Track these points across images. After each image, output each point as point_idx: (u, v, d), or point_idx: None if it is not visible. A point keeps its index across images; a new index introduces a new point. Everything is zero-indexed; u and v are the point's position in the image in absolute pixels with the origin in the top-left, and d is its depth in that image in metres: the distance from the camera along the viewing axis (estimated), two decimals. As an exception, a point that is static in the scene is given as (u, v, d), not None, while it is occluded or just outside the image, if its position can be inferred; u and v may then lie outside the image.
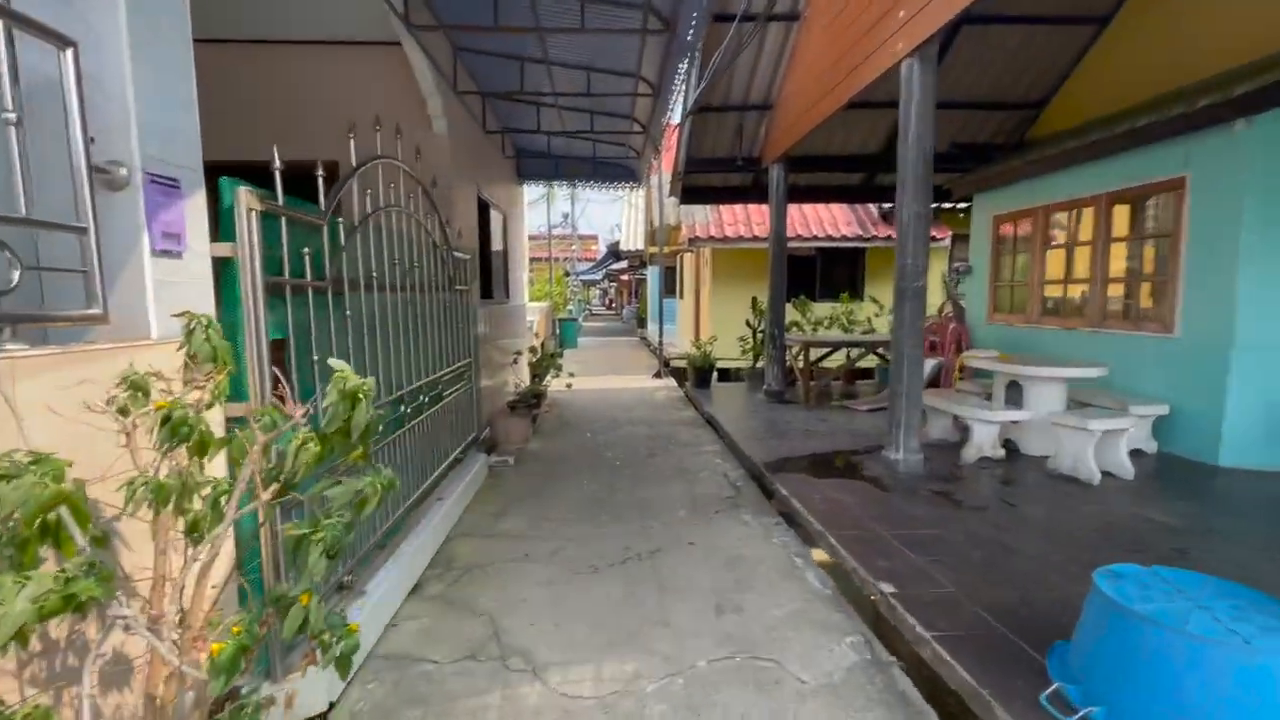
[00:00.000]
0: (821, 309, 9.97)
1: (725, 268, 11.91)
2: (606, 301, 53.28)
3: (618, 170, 9.29)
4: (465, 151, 5.98)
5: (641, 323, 22.24)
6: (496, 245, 7.78)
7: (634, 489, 4.99)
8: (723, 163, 8.48)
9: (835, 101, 5.95)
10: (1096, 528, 3.65)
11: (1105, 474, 4.46)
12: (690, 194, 9.15)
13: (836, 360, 9.11)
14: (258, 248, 2.14)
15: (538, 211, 24.88)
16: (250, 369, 2.12)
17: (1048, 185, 6.76)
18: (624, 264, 25.99)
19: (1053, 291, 6.76)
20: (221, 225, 2.11)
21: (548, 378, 8.64)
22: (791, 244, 10.99)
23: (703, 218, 11.44)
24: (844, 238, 10.96)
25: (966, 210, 10.78)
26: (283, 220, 2.35)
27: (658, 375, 11.36)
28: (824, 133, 8.07)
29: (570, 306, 25.39)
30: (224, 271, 2.14)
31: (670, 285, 20.29)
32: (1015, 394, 5.28)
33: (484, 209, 6.94)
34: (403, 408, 3.74)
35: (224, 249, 2.09)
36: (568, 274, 28.06)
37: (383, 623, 2.93)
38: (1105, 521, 3.74)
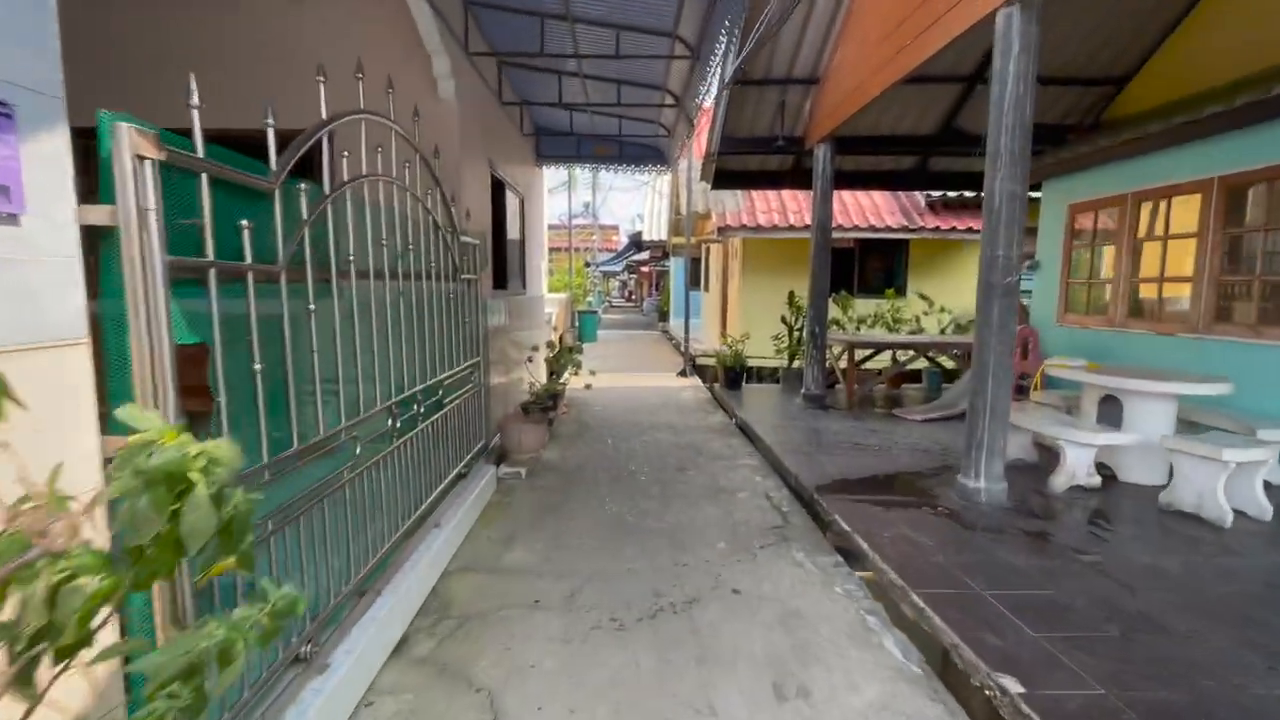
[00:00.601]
0: (863, 306, 9.18)
1: (757, 259, 11.15)
2: (626, 293, 52.62)
3: (645, 152, 8.58)
4: (477, 121, 5.32)
5: (663, 316, 21.52)
6: (513, 231, 7.13)
7: (663, 511, 4.32)
8: (761, 143, 7.72)
9: (896, 71, 5.18)
10: (1253, 589, 2.90)
11: (1237, 513, 3.68)
12: (723, 178, 8.40)
13: (879, 362, 8.35)
14: (155, 214, 1.49)
15: (558, 200, 24.36)
16: (138, 386, 1.47)
17: (1140, 169, 5.91)
18: (645, 255, 25.28)
19: (1146, 291, 5.92)
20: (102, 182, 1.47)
21: (566, 375, 8.01)
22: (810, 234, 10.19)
23: (733, 205, 10.69)
24: (887, 228, 10.13)
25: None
26: (202, 179, 1.70)
27: (682, 374, 10.67)
28: (874, 111, 7.27)
29: (590, 298, 24.76)
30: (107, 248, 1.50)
31: (695, 277, 19.55)
32: (1111, 410, 4.50)
33: (498, 189, 6.29)
34: (391, 421, 3.11)
35: (100, 214, 1.45)
36: (588, 265, 27.46)
37: (353, 702, 2.30)
38: (1261, 580, 2.99)
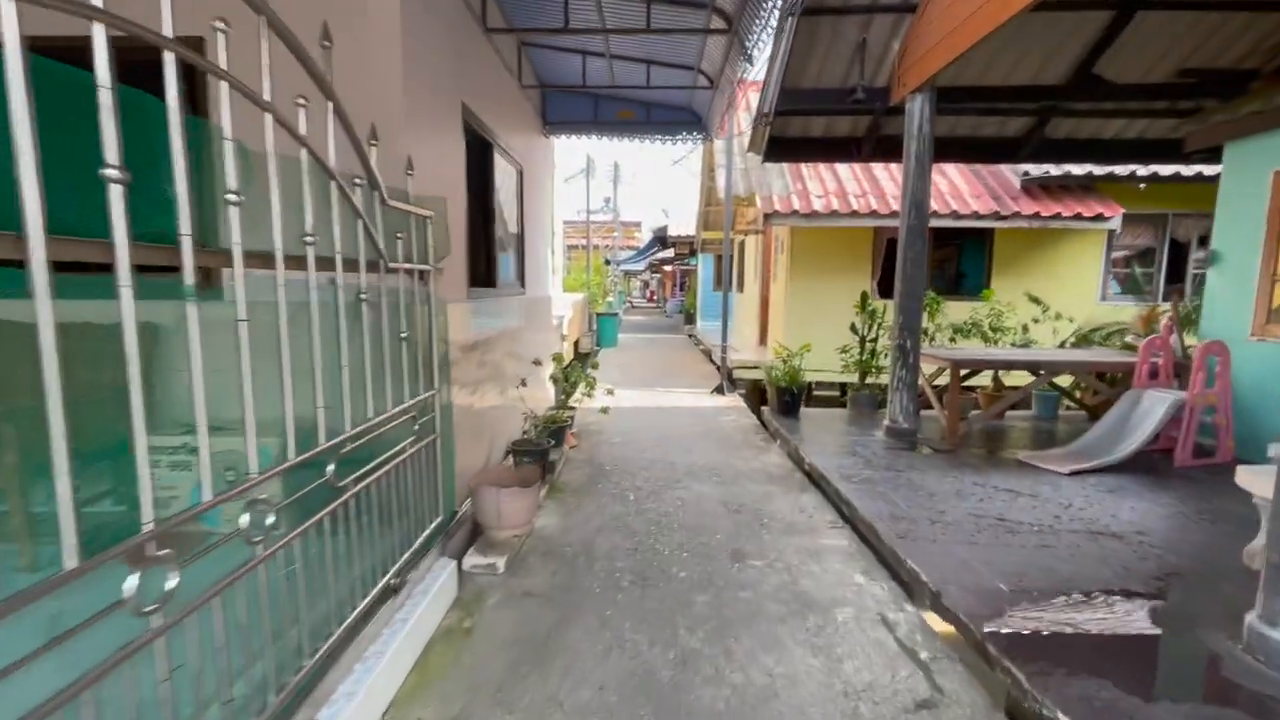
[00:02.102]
0: (952, 310, 7.29)
1: (807, 253, 9.33)
2: (648, 294, 50.98)
3: (679, 116, 6.83)
4: (438, 50, 3.62)
5: (689, 318, 19.76)
6: (507, 211, 5.44)
7: (720, 657, 2.57)
8: (832, 96, 5.92)
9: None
10: None
11: None
12: (779, 148, 6.62)
13: (975, 379, 6.50)
14: None
15: (575, 191, 22.62)
16: None
17: None
18: (670, 252, 23.52)
19: None
20: None
21: (578, 394, 6.33)
22: (887, 222, 8.35)
23: (781, 188, 8.89)
24: (974, 215, 8.24)
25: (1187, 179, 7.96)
26: None
27: (719, 391, 8.89)
28: (987, 52, 5.45)
29: (610, 299, 23.08)
30: None
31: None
32: None
33: (482, 150, 4.60)
34: (246, 518, 1.44)
35: None
36: (608, 262, 25.76)
37: None
38: None
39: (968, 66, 5.66)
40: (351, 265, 2.32)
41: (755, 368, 9.63)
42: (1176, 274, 9.31)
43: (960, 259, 10.16)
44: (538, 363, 6.26)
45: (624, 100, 6.81)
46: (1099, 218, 8.18)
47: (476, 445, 4.27)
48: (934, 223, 8.31)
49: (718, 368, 11.28)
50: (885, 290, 9.78)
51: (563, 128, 7.00)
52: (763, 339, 11.91)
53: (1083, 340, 6.77)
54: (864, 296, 6.64)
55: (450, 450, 3.35)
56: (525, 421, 4.83)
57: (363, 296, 2.36)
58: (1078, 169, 8.29)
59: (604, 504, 4.41)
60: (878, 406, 6.72)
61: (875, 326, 6.64)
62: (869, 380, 6.77)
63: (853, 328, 6.69)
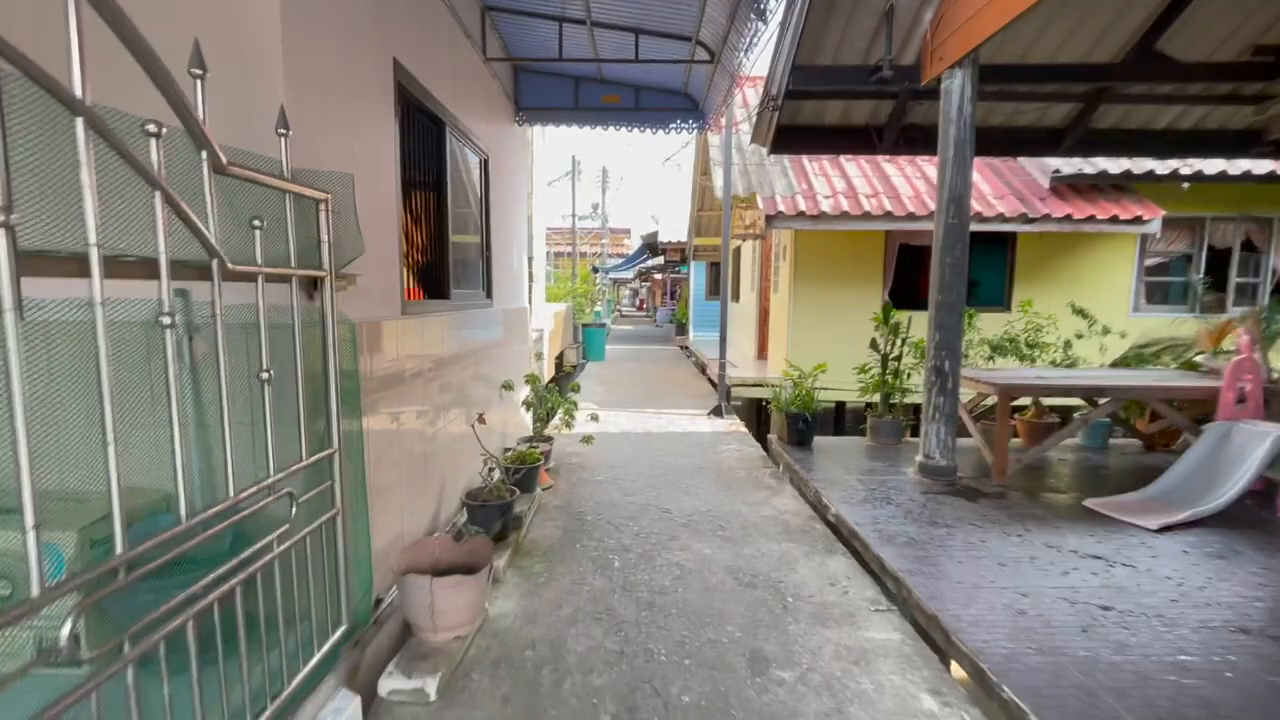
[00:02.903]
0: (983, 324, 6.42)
1: (813, 259, 8.47)
2: (638, 302, 50.21)
3: (673, 102, 5.95)
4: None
5: (681, 329, 18.88)
6: (462, 205, 4.52)
7: None
8: (852, 75, 5.07)
9: None
10: None
11: None
12: (788, 138, 5.76)
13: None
14: None
15: (559, 195, 21.70)
16: None
17: None
18: (660, 260, 22.66)
19: None
20: None
21: (556, 422, 5.42)
22: (903, 224, 7.53)
23: (784, 187, 8.04)
24: (1000, 217, 7.43)
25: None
26: None
27: (716, 413, 7.97)
28: (1034, 24, 4.63)
29: (598, 308, 22.17)
30: None
31: (717, 284, 16.89)
32: None
33: (427, 130, 3.67)
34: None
35: None
36: (595, 270, 24.82)
37: None
38: None
39: (1012, 40, 4.84)
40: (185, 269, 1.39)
41: (756, 386, 8.74)
42: (1215, 283, 8.53)
43: (972, 266, 9.33)
44: (509, 386, 5.32)
45: (609, 84, 5.92)
46: (1137, 220, 7.38)
47: (419, 499, 3.32)
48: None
49: (713, 384, 10.39)
50: (897, 300, 8.94)
51: (539, 115, 6.10)
52: (761, 353, 11.04)
53: (1139, 359, 5.93)
54: (886, 308, 5.76)
55: (363, 526, 2.41)
56: (485, 466, 3.88)
57: (165, 317, 1.41)
58: (1114, 167, 7.50)
59: (582, 574, 3.47)
60: (902, 435, 5.84)
61: (899, 342, 5.77)
62: (892, 401, 5.88)
63: (873, 344, 5.81)
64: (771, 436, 6.15)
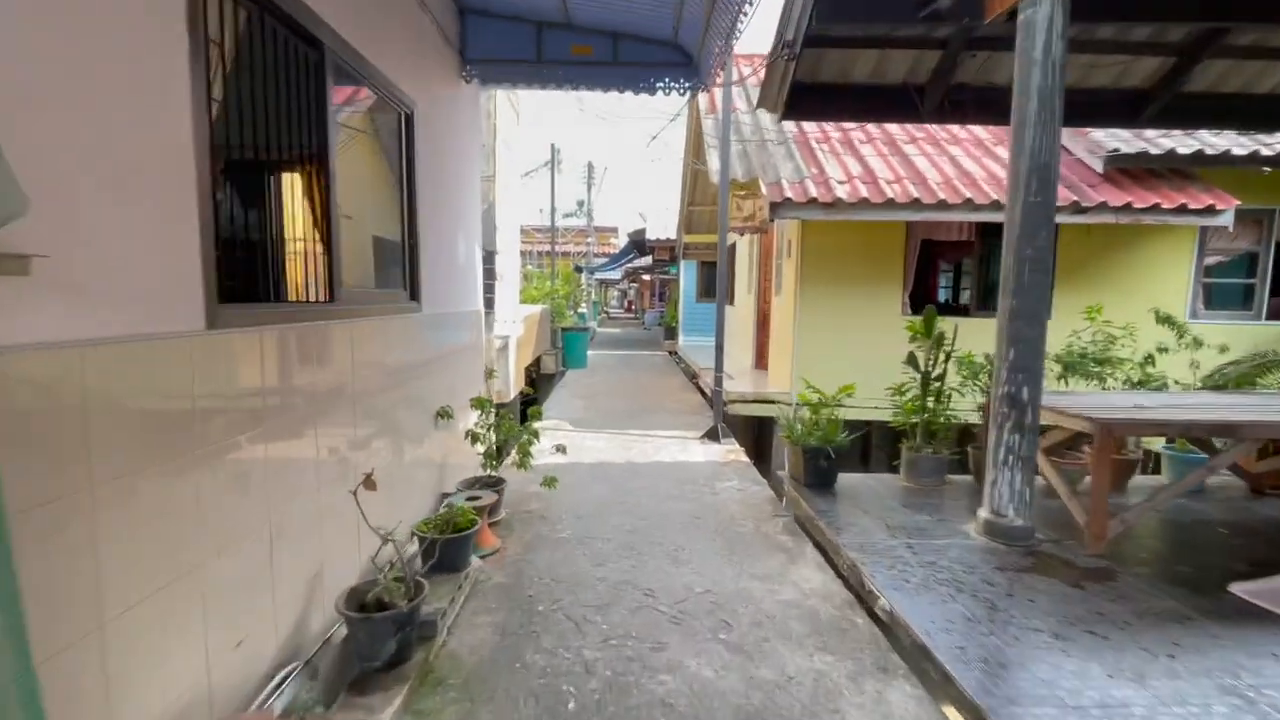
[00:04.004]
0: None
1: (824, 257, 7.30)
2: (626, 303, 49.07)
3: (660, 55, 4.73)
4: None
5: (670, 332, 17.68)
6: (369, 175, 3.29)
7: None
8: (891, 8, 3.87)
9: None
10: None
11: None
12: (804, 99, 4.56)
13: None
14: None
15: (537, 189, 20.30)
16: None
17: None
18: (648, 260, 21.44)
19: None
20: None
21: (510, 460, 4.25)
22: (932, 214, 6.40)
23: (792, 172, 6.87)
24: (1046, 206, 6.30)
25: None
26: None
27: (711, 436, 6.77)
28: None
29: (583, 310, 20.93)
30: None
31: (709, 285, 15.72)
32: None
33: (293, 43, 2.41)
34: None
35: None
36: (579, 270, 23.56)
37: None
38: None
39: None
40: None
41: (757, 402, 7.55)
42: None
43: (988, 266, 8.17)
44: (446, 414, 4.09)
45: (579, 31, 4.70)
46: (1208, 211, 6.28)
47: (252, 619, 2.08)
48: (983, 217, 6.36)
49: (705, 396, 9.20)
50: (916, 305, 7.80)
51: (493, 71, 4.86)
52: (760, 362, 9.85)
53: (1244, 380, 4.79)
54: (929, 315, 4.57)
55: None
56: (379, 550, 2.63)
57: None
58: (1184, 147, 6.38)
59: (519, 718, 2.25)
60: (946, 473, 4.67)
61: (943, 359, 4.59)
62: (933, 428, 4.70)
63: (910, 360, 4.62)
64: (782, 473, 4.95)
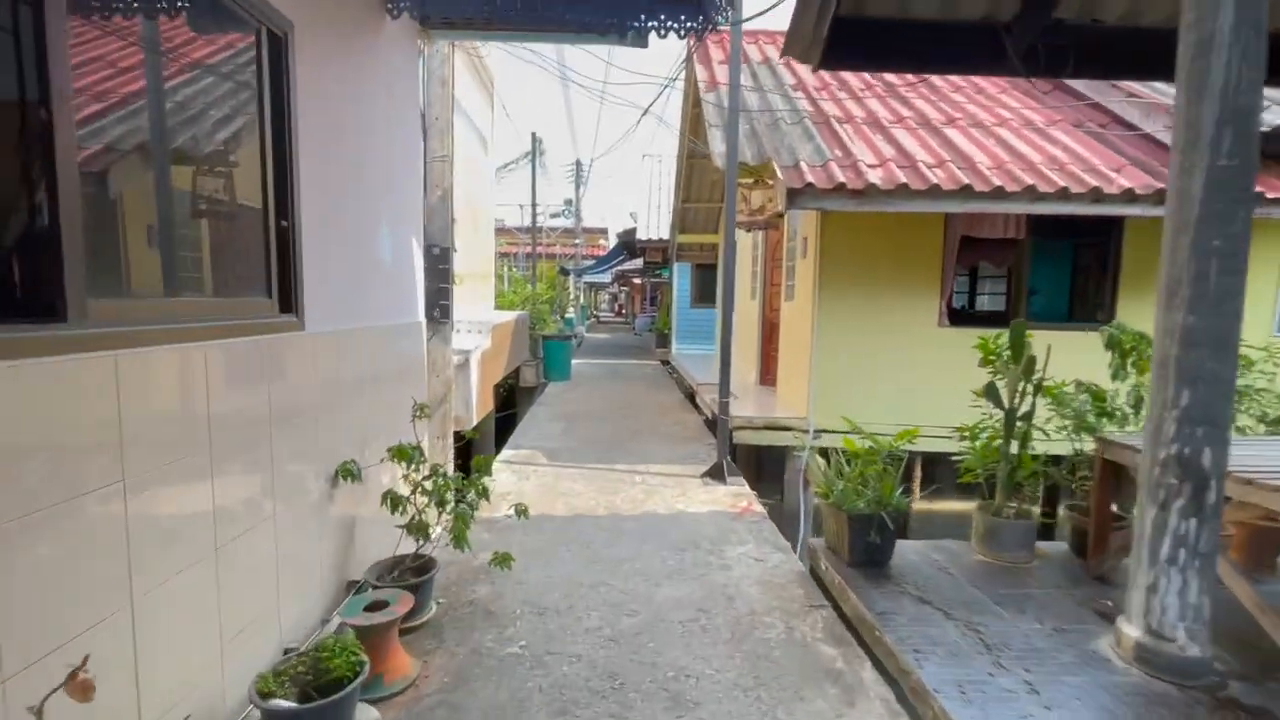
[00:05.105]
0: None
1: (846, 256, 6.12)
2: (616, 308, 47.96)
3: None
4: None
5: (663, 340, 16.49)
6: (198, 121, 2.05)
7: None
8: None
9: None
10: None
11: None
12: (849, 39, 3.35)
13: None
14: None
15: (514, 184, 18.99)
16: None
17: None
18: (639, 261, 20.24)
19: None
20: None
21: (439, 526, 3.04)
22: (984, 205, 5.27)
23: (811, 154, 5.70)
24: (1125, 195, 5.12)
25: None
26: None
27: (715, 475, 5.57)
28: None
29: (569, 315, 19.71)
30: None
31: (704, 289, 14.55)
32: None
33: None
34: None
35: None
36: (565, 272, 22.29)
37: None
38: None
39: None
40: None
41: (768, 429, 6.35)
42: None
43: (1028, 271, 7.00)
44: (348, 474, 2.88)
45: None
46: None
47: None
48: (1047, 208, 5.22)
49: (706, 420, 8.00)
50: (955, 315, 6.64)
51: (432, 7, 3.64)
52: (765, 378, 8.67)
53: None
54: (1017, 331, 3.38)
55: None
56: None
57: None
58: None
59: None
60: (1034, 543, 3.48)
61: (1030, 391, 3.41)
62: (1017, 480, 3.51)
63: (989, 393, 3.42)
64: (815, 542, 3.73)
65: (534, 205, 15.81)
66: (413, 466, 3.21)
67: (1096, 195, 5.15)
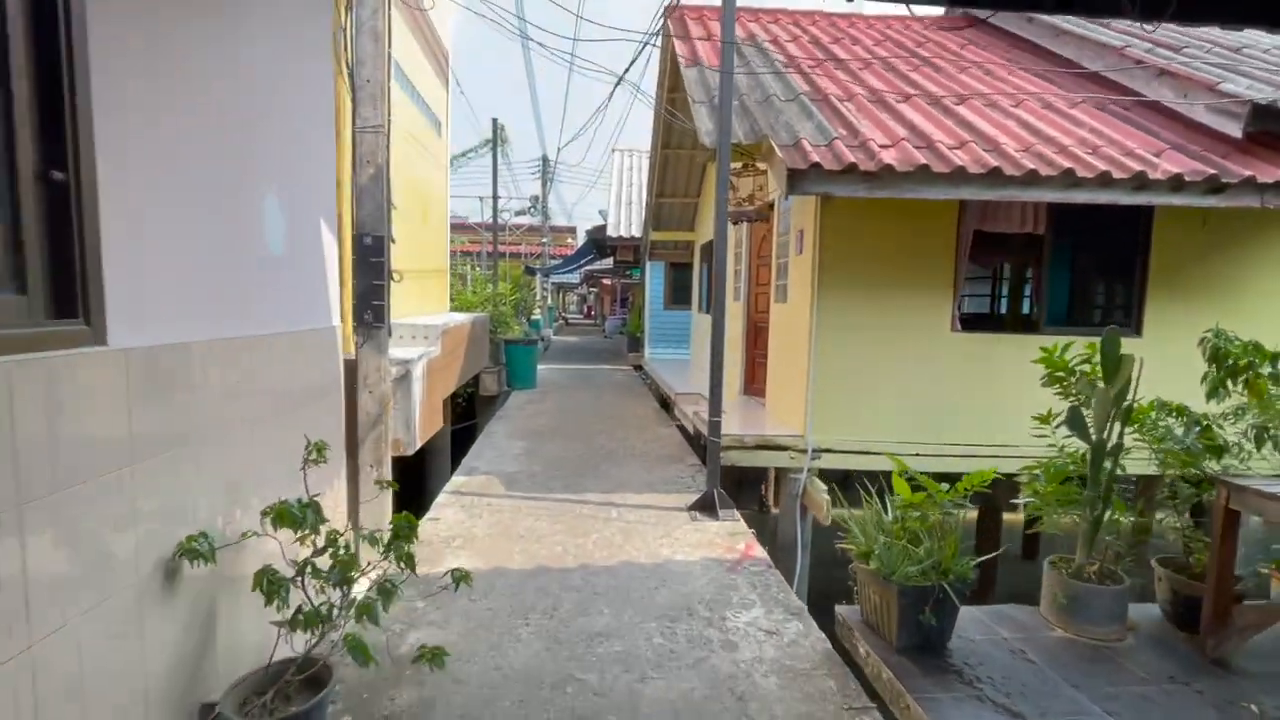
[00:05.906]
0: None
1: (848, 251, 5.36)
2: (585, 309, 47.01)
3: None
4: None
5: (635, 344, 15.62)
6: None
7: None
8: None
9: None
10: None
11: None
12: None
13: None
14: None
15: (472, 178, 17.82)
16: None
17: None
18: (609, 261, 19.34)
19: None
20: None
21: (339, 633, 2.08)
22: (1011, 193, 4.57)
23: (813, 132, 4.92)
24: (1172, 181, 4.46)
25: None
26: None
27: (704, 507, 4.73)
28: None
29: (536, 318, 18.71)
30: None
31: (679, 290, 13.73)
32: None
33: None
34: None
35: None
36: (531, 272, 21.27)
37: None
38: None
39: None
40: None
41: (761, 449, 5.54)
42: None
43: (1048, 270, 6.33)
44: (196, 554, 1.93)
45: None
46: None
47: None
48: (1086, 197, 4.54)
49: (686, 435, 7.19)
50: (969, 320, 5.95)
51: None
52: (750, 386, 7.87)
53: None
54: (1111, 344, 2.61)
55: None
56: None
57: None
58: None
59: None
60: (1126, 616, 2.72)
61: (1123, 417, 2.65)
62: (1108, 537, 2.75)
63: (1074, 420, 2.65)
64: (846, 612, 2.91)
65: (495, 196, 14.76)
66: (302, 535, 2.28)
67: (1140, 181, 4.48)
